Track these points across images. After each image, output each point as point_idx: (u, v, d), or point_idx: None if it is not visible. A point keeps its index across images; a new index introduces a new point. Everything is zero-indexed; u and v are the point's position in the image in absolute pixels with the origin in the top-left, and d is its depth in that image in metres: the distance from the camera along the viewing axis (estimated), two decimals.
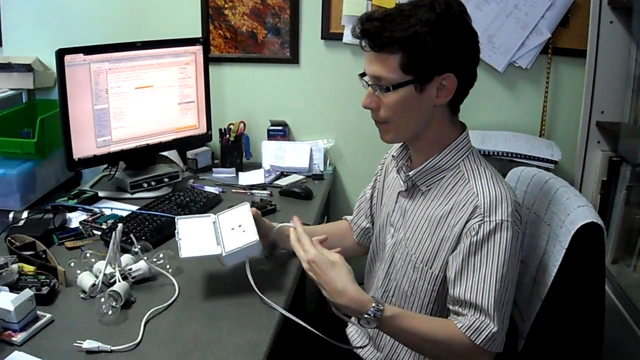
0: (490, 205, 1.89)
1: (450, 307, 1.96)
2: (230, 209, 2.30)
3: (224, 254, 2.12)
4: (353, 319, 1.98)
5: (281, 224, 2.27)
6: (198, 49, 3.37)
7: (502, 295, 1.86)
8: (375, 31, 1.89)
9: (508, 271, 1.87)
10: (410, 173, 2.09)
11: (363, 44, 1.95)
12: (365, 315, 1.84)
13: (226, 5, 3.67)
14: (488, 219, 1.87)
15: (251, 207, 2.30)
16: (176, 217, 2.28)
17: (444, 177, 2.04)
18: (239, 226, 2.19)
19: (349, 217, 2.63)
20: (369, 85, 2.00)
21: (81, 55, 2.89)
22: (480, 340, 1.83)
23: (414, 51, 1.88)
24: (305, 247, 1.99)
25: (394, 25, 1.88)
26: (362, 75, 2.06)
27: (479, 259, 1.87)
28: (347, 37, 3.55)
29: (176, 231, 2.22)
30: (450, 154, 2.03)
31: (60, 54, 2.82)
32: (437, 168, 2.04)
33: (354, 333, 2.34)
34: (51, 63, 3.65)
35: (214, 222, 2.27)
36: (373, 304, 1.84)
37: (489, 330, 1.83)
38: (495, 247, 1.86)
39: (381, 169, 2.46)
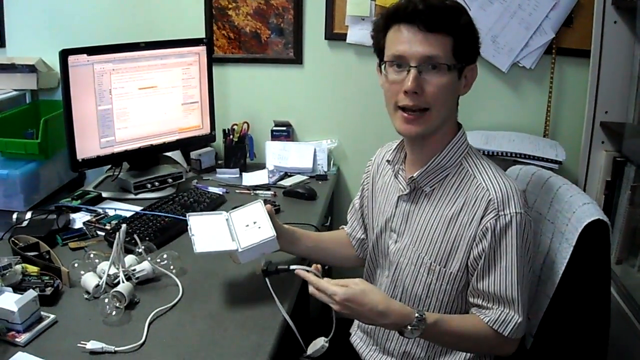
0: (503, 198, 1.90)
1: (472, 300, 1.98)
2: (242, 207, 2.27)
3: (240, 250, 2.07)
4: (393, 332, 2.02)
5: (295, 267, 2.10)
6: (202, 49, 3.37)
7: (523, 284, 1.89)
8: (433, 11, 1.88)
9: (526, 260, 1.91)
10: (414, 175, 2.06)
11: (409, 26, 1.91)
12: (409, 327, 1.83)
13: (230, 6, 3.67)
14: (503, 213, 1.89)
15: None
16: (187, 214, 2.23)
17: (447, 175, 2.04)
18: (254, 223, 2.16)
19: (346, 228, 2.59)
20: (411, 67, 1.91)
21: (85, 55, 2.88)
22: (508, 332, 1.88)
23: (465, 37, 1.94)
24: (330, 291, 1.86)
25: (444, 11, 1.90)
26: (383, 63, 2.03)
27: (500, 253, 1.89)
28: (351, 37, 3.55)
29: (188, 227, 2.18)
30: (452, 150, 2.03)
31: (64, 54, 2.82)
32: (440, 167, 2.04)
33: (359, 340, 2.33)
34: (55, 64, 3.66)
35: (226, 220, 2.24)
36: (416, 314, 1.83)
37: (514, 322, 1.87)
38: (513, 240, 1.88)
39: (367, 177, 2.44)
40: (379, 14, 2.03)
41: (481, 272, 1.92)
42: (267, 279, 2.03)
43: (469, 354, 2.07)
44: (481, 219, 1.92)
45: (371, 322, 1.89)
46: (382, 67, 2.04)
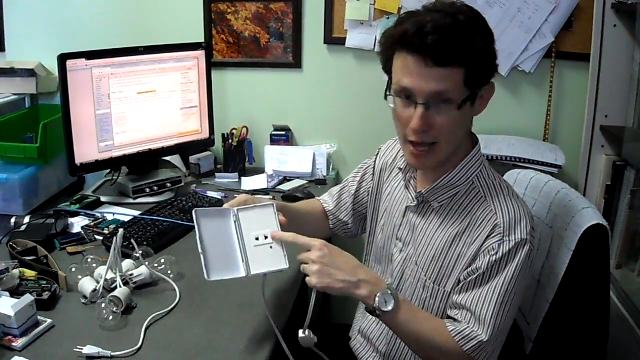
0: (510, 224, 1.85)
1: (449, 312, 1.94)
2: (253, 207, 2.00)
3: (249, 276, 1.89)
4: (364, 308, 1.90)
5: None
6: (201, 53, 3.37)
7: (504, 310, 1.84)
8: (444, 46, 1.74)
9: (515, 288, 1.85)
10: (422, 191, 2.02)
11: (418, 59, 1.77)
12: (386, 291, 1.81)
13: (229, 10, 3.68)
14: (508, 239, 1.84)
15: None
16: (194, 210, 1.92)
17: (457, 192, 1.98)
18: (265, 238, 1.94)
19: (325, 204, 2.51)
20: (418, 104, 1.81)
21: (83, 60, 2.88)
22: (468, 348, 1.82)
23: (480, 63, 1.81)
24: (307, 240, 1.87)
25: (456, 38, 1.75)
26: (389, 92, 1.91)
27: (491, 274, 1.85)
28: (350, 41, 3.55)
29: (198, 239, 1.91)
30: (464, 169, 1.96)
31: (63, 59, 2.82)
32: (452, 184, 1.97)
33: (359, 345, 2.31)
34: (54, 68, 3.65)
35: (235, 222, 1.96)
36: (387, 282, 1.85)
37: (478, 340, 1.81)
38: (510, 265, 1.84)
39: (373, 167, 2.38)
40: (383, 30, 1.91)
41: (465, 286, 1.89)
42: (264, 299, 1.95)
43: None
44: (484, 241, 1.87)
45: (346, 280, 1.80)
46: (390, 94, 1.91)
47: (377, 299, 1.80)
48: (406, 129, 1.87)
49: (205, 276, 1.83)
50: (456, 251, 1.94)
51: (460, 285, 1.91)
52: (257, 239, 1.93)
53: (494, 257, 1.84)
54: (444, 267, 1.97)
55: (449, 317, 1.93)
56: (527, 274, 1.89)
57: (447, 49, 1.73)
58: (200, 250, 1.86)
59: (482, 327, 1.82)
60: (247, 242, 1.92)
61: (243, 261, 1.89)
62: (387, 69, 1.92)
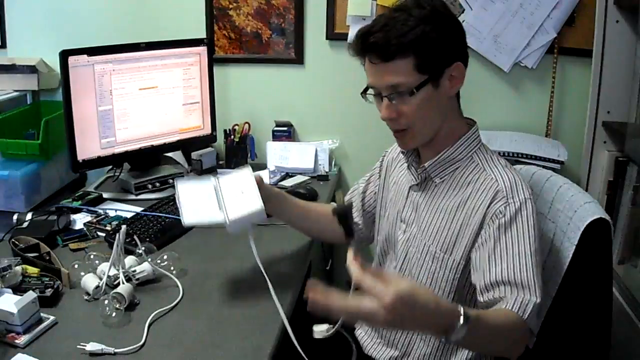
0: (511, 187, 1.91)
1: (482, 298, 1.87)
2: (231, 173, 2.23)
3: (227, 222, 2.06)
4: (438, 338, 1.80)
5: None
6: (202, 49, 3.37)
7: (536, 266, 1.84)
8: (383, 42, 1.89)
9: (536, 243, 1.87)
10: (425, 164, 2.08)
11: (369, 58, 1.96)
12: (458, 325, 1.54)
13: (231, 6, 3.68)
14: (512, 200, 1.89)
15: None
16: (175, 179, 2.23)
17: (457, 167, 2.06)
18: (242, 192, 2.13)
19: (337, 206, 2.61)
20: (383, 97, 1.99)
21: (85, 56, 2.88)
22: (528, 315, 1.77)
23: (425, 50, 1.90)
24: (377, 290, 1.44)
25: (398, 31, 1.89)
26: (365, 90, 2.08)
27: (511, 238, 1.87)
28: (352, 37, 3.53)
29: (176, 195, 2.18)
30: (463, 145, 2.05)
31: (65, 55, 2.82)
32: (451, 159, 2.06)
33: (364, 334, 2.33)
34: (55, 64, 3.65)
35: (214, 187, 2.19)
36: (459, 307, 1.58)
37: (532, 303, 1.78)
38: (524, 224, 1.87)
39: (380, 167, 2.46)
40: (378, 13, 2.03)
41: (493, 260, 1.87)
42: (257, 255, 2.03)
43: (471, 352, 2.06)
44: (488, 207, 1.92)
45: (420, 326, 1.61)
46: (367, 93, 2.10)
47: (451, 334, 1.53)
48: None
49: (182, 222, 2.09)
50: (460, 219, 1.99)
51: (483, 262, 1.89)
52: (235, 194, 2.12)
53: (503, 219, 1.88)
54: (450, 236, 2.01)
55: (487, 304, 1.86)
56: (538, 235, 1.90)
57: (385, 44, 1.90)
58: (177, 203, 2.14)
59: (529, 291, 1.80)
60: (225, 197, 2.12)
61: (221, 209, 2.09)
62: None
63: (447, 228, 2.02)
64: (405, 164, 2.23)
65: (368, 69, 2.00)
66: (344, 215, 1.90)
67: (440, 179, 2.08)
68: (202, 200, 2.15)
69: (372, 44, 1.91)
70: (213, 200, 2.15)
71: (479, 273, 1.90)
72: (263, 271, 2.06)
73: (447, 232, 2.02)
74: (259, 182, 2.21)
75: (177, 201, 2.17)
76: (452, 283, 2.03)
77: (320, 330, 1.70)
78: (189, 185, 2.22)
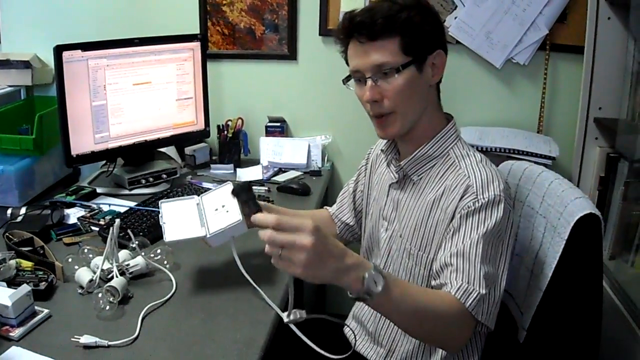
0: (482, 184, 1.93)
1: (434, 282, 1.93)
2: (213, 190, 2.25)
3: (208, 236, 2.08)
4: (353, 291, 1.68)
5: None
6: (196, 45, 3.38)
7: (489, 264, 1.86)
8: (370, 21, 1.94)
9: (495, 243, 1.89)
10: (401, 163, 2.12)
11: (356, 38, 2.00)
12: (373, 272, 1.62)
13: (224, 2, 3.68)
14: (481, 196, 1.91)
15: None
16: (160, 202, 2.26)
17: (434, 165, 2.08)
18: (222, 206, 2.14)
19: (330, 209, 2.66)
20: (367, 78, 2.01)
21: (79, 51, 2.89)
22: (470, 303, 1.79)
23: (411, 32, 1.96)
24: (297, 223, 1.58)
25: (384, 12, 1.95)
26: (348, 78, 2.14)
27: (469, 229, 1.89)
28: None
29: (160, 215, 2.20)
30: (439, 142, 2.08)
31: (59, 50, 2.82)
32: (427, 156, 2.08)
33: (351, 332, 2.34)
34: (49, 60, 3.66)
35: (197, 204, 2.23)
36: (371, 262, 1.68)
37: (477, 292, 1.80)
38: (486, 217, 1.89)
39: (365, 164, 2.50)
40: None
41: (447, 246, 1.93)
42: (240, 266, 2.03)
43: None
44: (458, 202, 1.94)
45: (336, 269, 1.61)
46: (349, 82, 2.15)
47: (365, 281, 1.61)
48: (366, 106, 2.08)
49: (164, 240, 2.12)
50: (434, 217, 2.02)
51: (442, 247, 1.95)
52: (217, 209, 2.13)
53: (468, 211, 1.90)
54: (426, 234, 2.04)
55: (436, 287, 1.91)
56: (507, 231, 1.93)
57: (373, 23, 1.95)
58: (161, 222, 2.16)
59: (474, 282, 1.82)
60: (207, 213, 2.15)
61: (203, 226, 2.11)
62: (347, 61, 2.14)
63: (422, 226, 2.05)
64: (384, 160, 2.27)
65: (353, 53, 2.05)
66: (240, 193, 1.97)
67: (418, 176, 2.11)
68: (184, 218, 2.19)
69: (360, 23, 1.96)
70: (195, 217, 2.18)
71: (436, 260, 1.96)
72: (246, 275, 2.07)
73: (422, 230, 2.05)
74: None
75: (160, 221, 2.18)
76: (427, 280, 2.04)
77: (289, 316, 1.74)
78: (171, 205, 2.25)
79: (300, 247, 1.55)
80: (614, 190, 3.10)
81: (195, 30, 3.70)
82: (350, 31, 2.00)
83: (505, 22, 3.38)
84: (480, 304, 1.81)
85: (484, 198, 1.90)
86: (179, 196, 2.89)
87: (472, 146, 2.18)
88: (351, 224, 2.56)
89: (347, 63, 2.14)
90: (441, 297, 1.83)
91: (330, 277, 1.61)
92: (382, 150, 2.29)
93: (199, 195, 2.24)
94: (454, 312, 1.80)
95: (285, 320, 1.74)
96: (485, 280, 1.83)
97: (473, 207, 1.90)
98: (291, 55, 3.75)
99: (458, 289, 1.81)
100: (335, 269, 1.61)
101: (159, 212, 2.20)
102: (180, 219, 2.19)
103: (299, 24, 3.70)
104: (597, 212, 1.90)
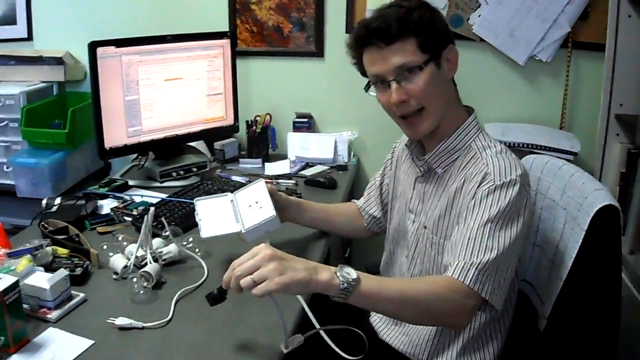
0: (500, 170, 1.95)
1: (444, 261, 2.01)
2: (246, 187, 2.33)
3: (243, 231, 2.14)
4: (332, 287, 1.72)
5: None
6: (226, 42, 3.43)
7: (497, 242, 1.88)
8: (385, 25, 1.98)
9: (507, 223, 1.90)
10: (425, 156, 2.15)
11: (375, 44, 2.02)
12: (340, 265, 1.73)
13: (252, 0, 3.75)
14: (497, 179, 1.93)
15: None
16: (195, 199, 2.32)
17: (457, 157, 2.11)
18: (256, 202, 2.22)
19: (357, 202, 2.68)
20: (390, 82, 2.03)
21: (113, 47, 2.95)
22: (470, 279, 1.83)
23: (424, 30, 2.00)
24: (254, 253, 1.70)
25: (396, 15, 1.99)
26: (368, 85, 2.18)
27: (481, 209, 1.92)
28: None
29: (195, 213, 2.27)
30: (462, 134, 2.11)
31: (93, 46, 2.88)
32: (451, 149, 2.11)
33: (379, 321, 2.38)
34: (81, 56, 3.75)
35: (231, 201, 2.30)
36: (334, 267, 1.74)
37: (475, 267, 1.83)
38: (500, 198, 1.91)
39: (391, 158, 2.54)
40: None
41: (460, 225, 1.97)
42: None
43: (469, 334, 2.09)
44: (477, 189, 1.96)
45: (306, 268, 1.69)
46: (370, 89, 2.19)
47: (338, 273, 1.70)
48: (392, 108, 2.09)
49: (200, 235, 2.21)
50: (456, 206, 2.05)
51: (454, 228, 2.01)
52: (250, 206, 2.23)
53: (482, 194, 1.94)
54: (449, 222, 2.08)
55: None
56: (521, 215, 1.94)
57: (389, 27, 1.98)
58: (197, 219, 2.25)
59: (476, 254, 1.86)
60: (241, 209, 2.25)
61: (238, 221, 2.21)
62: (362, 70, 2.17)
63: (447, 214, 2.08)
64: (409, 155, 2.31)
65: (370, 60, 2.07)
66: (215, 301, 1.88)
67: (442, 169, 2.13)
68: (219, 214, 2.27)
69: (376, 29, 2.00)
70: (230, 213, 2.26)
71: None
72: None
73: (446, 218, 2.08)
74: (273, 192, 2.31)
75: (196, 218, 2.26)
76: None
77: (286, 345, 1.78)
78: (207, 202, 2.32)
79: (264, 259, 1.66)
80: (635, 186, 3.11)
81: (225, 28, 3.78)
82: (368, 38, 2.03)
83: (527, 19, 3.42)
84: (480, 279, 1.84)
85: (499, 180, 1.92)
86: (209, 189, 2.95)
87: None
88: (378, 216, 2.59)
89: (362, 73, 2.18)
90: (431, 278, 1.99)
91: (306, 277, 1.67)
92: (406, 145, 2.33)
93: (230, 190, 2.31)
94: (450, 289, 1.83)
95: (285, 351, 1.77)
96: (491, 254, 1.86)
97: (487, 190, 1.92)
98: (318, 52, 3.80)
99: (456, 266, 1.86)
100: (305, 267, 1.69)
101: (190, 203, 2.26)
102: (215, 215, 2.26)
103: (326, 22, 3.75)
104: (616, 204, 1.92)
